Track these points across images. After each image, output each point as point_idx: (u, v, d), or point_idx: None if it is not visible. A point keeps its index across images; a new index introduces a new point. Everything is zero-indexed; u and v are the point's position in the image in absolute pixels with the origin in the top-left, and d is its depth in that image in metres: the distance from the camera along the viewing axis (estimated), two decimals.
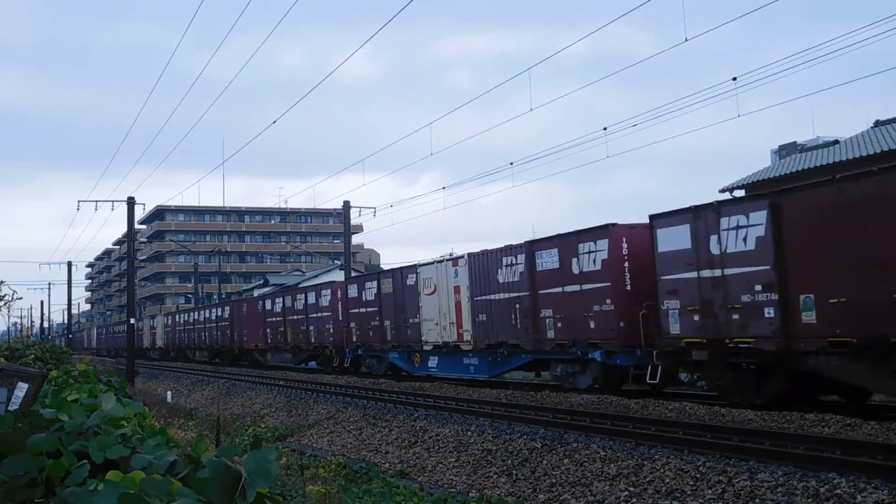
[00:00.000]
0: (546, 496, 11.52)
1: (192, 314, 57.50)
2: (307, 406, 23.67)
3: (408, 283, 28.13)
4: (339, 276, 48.21)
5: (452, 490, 12.61)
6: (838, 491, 8.93)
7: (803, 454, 10.60)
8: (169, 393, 30.74)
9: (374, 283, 30.81)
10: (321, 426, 20.42)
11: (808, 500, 8.97)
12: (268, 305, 42.03)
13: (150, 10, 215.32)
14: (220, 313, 49.64)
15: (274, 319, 40.67)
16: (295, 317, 38.08)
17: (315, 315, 35.94)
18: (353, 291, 32.35)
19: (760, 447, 11.34)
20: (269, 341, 41.43)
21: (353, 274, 42.88)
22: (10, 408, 4.52)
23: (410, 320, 27.81)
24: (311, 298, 36.43)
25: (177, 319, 60.64)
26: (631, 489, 10.80)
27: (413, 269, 28.32)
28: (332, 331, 34.12)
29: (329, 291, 34.90)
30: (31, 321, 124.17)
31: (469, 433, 15.74)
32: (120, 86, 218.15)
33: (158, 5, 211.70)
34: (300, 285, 52.23)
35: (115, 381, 8.86)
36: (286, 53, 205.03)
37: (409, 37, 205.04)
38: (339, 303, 33.35)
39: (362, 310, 31.26)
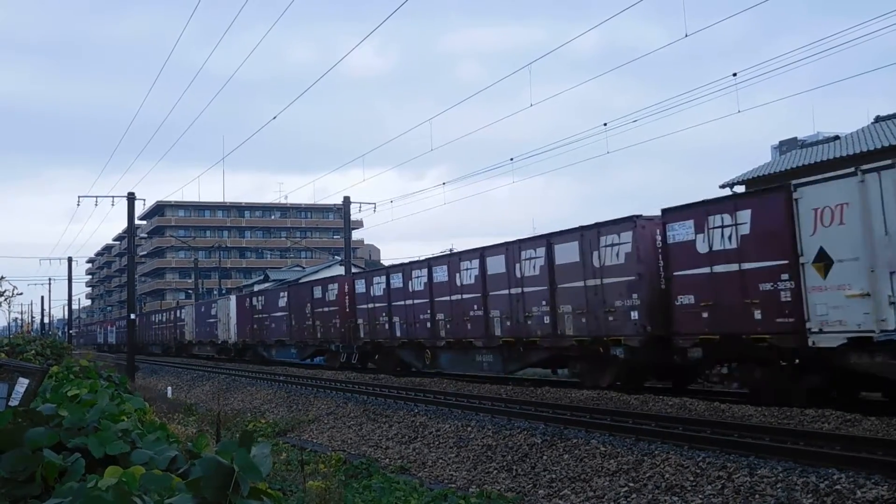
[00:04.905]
0: (546, 491, 11.54)
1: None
2: (307, 401, 23.68)
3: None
4: (339, 271, 47.90)
5: (452, 485, 12.62)
6: (838, 486, 8.93)
7: (803, 450, 10.60)
8: (169, 388, 30.76)
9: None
10: (321, 421, 20.44)
11: (807, 495, 8.97)
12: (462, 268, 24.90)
13: (155, 2, 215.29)
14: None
15: (466, 296, 24.49)
16: (533, 289, 21.25)
17: (595, 282, 18.98)
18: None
19: (760, 443, 11.34)
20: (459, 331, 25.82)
21: (355, 270, 42.31)
22: (10, 403, 4.52)
23: None
24: (564, 254, 19.99)
25: None
26: (631, 485, 10.81)
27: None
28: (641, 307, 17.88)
29: (629, 236, 18.07)
30: (32, 317, 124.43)
31: (469, 429, 15.76)
32: (124, 80, 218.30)
33: None
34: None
35: (116, 377, 8.86)
36: (295, 48, 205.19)
37: (419, 30, 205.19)
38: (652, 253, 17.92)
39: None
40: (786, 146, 52.53)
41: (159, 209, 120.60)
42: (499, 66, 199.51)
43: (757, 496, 9.35)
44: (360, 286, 31.66)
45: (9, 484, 2.85)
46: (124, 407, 4.72)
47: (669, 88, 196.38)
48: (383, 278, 29.95)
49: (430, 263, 27.06)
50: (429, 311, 26.49)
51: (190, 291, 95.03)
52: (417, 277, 27.45)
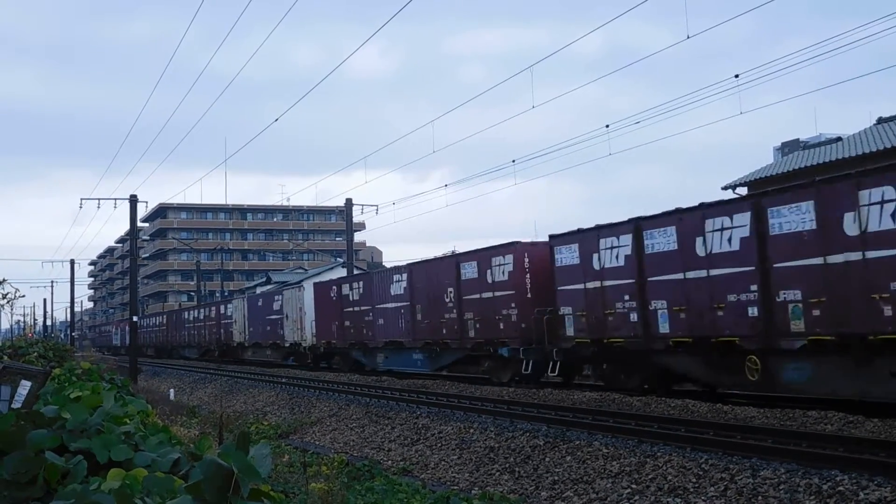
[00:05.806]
0: (548, 493, 11.53)
1: None
2: (310, 403, 23.69)
3: None
4: (341, 273, 47.82)
5: (455, 487, 12.62)
6: (841, 488, 8.93)
7: (806, 451, 10.59)
8: (172, 391, 30.77)
9: None
10: (324, 423, 20.44)
11: (810, 497, 8.97)
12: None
13: (158, 4, 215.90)
14: None
15: (873, 255, 13.46)
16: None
17: None
18: None
19: (763, 444, 11.33)
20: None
21: (356, 271, 42.28)
22: (13, 405, 4.52)
23: None
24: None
25: None
26: (633, 486, 10.80)
27: None
28: None
29: None
30: (34, 319, 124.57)
31: (471, 430, 15.75)
32: (128, 82, 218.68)
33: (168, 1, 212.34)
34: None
35: (118, 379, 8.87)
36: (298, 50, 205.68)
37: (422, 32, 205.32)
38: None
39: None
40: (788, 148, 52.52)
41: (162, 211, 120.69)
42: (501, 69, 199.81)
43: (760, 498, 9.34)
44: (566, 256, 20.83)
45: (11, 486, 2.86)
46: (127, 409, 4.72)
47: (672, 90, 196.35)
48: (627, 238, 18.79)
49: (756, 203, 15.66)
50: (754, 288, 15.53)
51: (192, 293, 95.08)
52: (718, 230, 16.34)
